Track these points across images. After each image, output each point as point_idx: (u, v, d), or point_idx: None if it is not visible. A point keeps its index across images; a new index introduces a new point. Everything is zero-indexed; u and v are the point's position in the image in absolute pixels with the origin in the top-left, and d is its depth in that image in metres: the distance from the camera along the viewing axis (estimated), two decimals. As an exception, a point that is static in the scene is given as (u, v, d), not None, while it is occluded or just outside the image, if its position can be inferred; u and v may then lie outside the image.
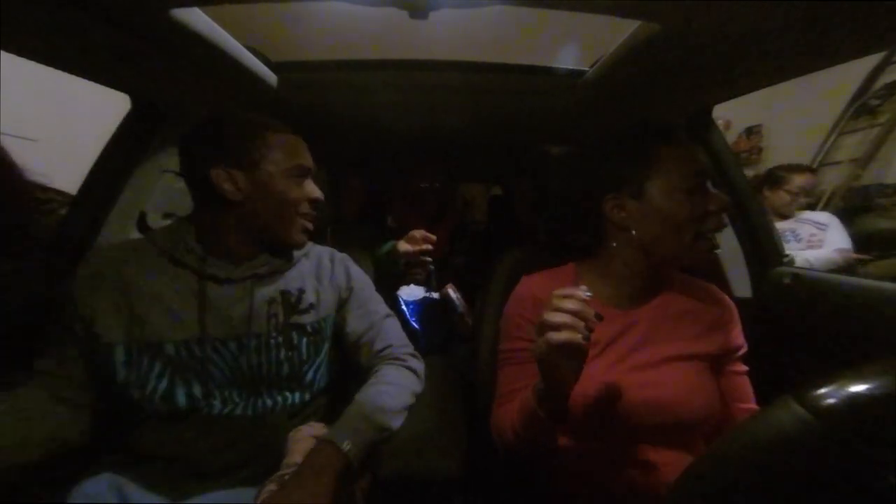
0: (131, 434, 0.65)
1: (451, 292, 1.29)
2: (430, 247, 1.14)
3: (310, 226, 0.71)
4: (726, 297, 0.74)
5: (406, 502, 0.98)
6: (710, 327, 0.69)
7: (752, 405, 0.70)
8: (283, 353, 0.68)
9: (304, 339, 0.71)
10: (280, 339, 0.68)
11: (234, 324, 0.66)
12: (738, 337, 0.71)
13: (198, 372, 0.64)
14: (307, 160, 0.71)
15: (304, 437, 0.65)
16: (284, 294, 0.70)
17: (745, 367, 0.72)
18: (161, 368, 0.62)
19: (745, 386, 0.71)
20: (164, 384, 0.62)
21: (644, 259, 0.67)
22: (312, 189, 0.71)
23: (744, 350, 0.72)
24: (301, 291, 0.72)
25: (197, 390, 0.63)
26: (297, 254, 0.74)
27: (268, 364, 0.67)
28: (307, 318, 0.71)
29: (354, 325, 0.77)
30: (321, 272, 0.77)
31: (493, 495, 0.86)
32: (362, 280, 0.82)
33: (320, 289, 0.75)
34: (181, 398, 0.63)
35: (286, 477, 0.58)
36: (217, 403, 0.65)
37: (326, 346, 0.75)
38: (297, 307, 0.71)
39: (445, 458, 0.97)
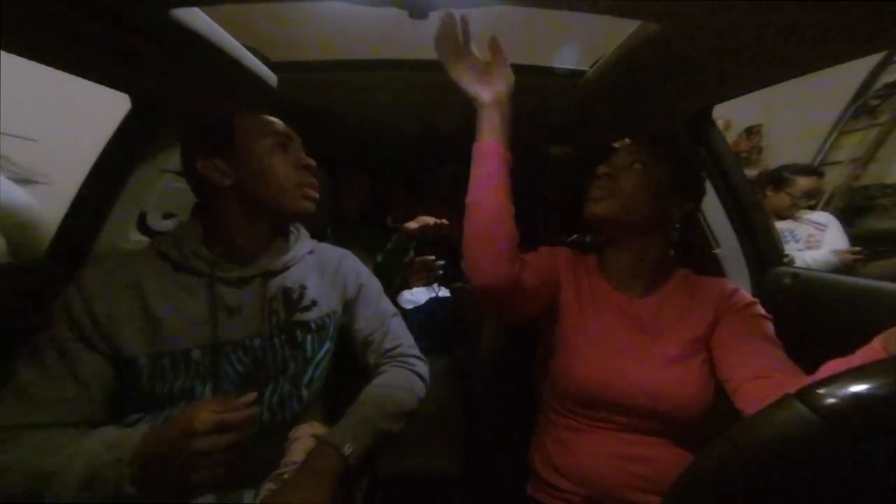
0: None
1: None
2: (446, 221, 1.14)
3: (311, 192, 0.70)
4: (727, 286, 0.74)
5: (406, 501, 0.98)
6: (714, 317, 0.70)
7: (786, 375, 0.61)
8: (287, 352, 0.68)
9: (308, 337, 0.70)
10: (284, 337, 0.68)
11: (245, 324, 0.65)
12: (738, 295, 0.71)
13: (213, 375, 0.63)
14: (282, 129, 0.70)
15: (303, 436, 0.65)
16: (286, 291, 0.69)
17: (766, 327, 0.67)
18: (183, 375, 0.61)
19: (769, 347, 0.65)
20: (185, 389, 0.61)
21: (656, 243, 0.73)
22: (299, 156, 0.71)
23: (754, 305, 0.69)
24: (303, 287, 0.71)
25: (209, 392, 0.62)
26: (301, 251, 0.74)
27: (273, 363, 0.67)
28: (310, 315, 0.71)
29: (363, 323, 0.78)
30: (325, 268, 0.77)
31: (493, 494, 0.86)
32: (371, 278, 0.83)
33: (322, 284, 0.75)
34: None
35: (285, 476, 0.58)
36: None
37: (329, 345, 0.74)
38: (299, 304, 0.70)
39: (445, 457, 0.97)
